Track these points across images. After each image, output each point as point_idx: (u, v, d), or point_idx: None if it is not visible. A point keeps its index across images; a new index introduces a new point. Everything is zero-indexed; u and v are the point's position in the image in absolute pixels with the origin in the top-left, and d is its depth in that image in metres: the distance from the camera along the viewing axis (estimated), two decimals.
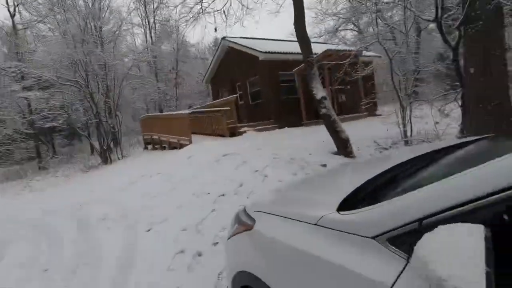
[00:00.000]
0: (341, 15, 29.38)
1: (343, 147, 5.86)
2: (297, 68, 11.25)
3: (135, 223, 4.34)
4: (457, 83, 6.14)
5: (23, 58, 14.41)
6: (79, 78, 11.59)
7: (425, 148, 1.83)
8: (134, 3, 18.99)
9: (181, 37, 19.28)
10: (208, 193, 4.73)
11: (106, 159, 11.87)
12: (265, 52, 11.02)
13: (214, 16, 8.56)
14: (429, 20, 5.89)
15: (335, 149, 6.13)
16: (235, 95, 10.53)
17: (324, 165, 5.47)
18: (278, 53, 11.42)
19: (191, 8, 8.17)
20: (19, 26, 16.56)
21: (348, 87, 12.38)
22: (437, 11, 5.53)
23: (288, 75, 12.07)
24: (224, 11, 8.85)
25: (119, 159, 12.38)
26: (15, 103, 14.73)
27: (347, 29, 28.42)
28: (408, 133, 6.54)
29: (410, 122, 6.53)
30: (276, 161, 5.91)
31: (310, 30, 30.20)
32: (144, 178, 6.70)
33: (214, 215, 4.05)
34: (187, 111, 9.33)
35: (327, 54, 10.04)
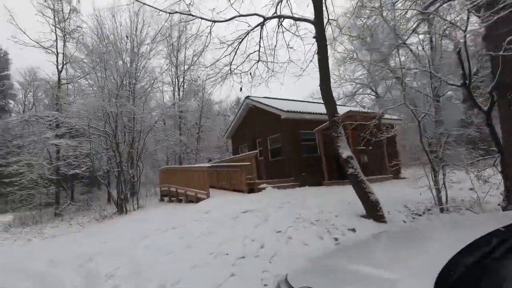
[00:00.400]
0: (358, 81, 30.84)
1: (373, 210, 5.43)
2: (318, 127, 11.35)
3: (145, 283, 3.95)
4: (493, 148, 5.84)
5: (61, 109, 15.59)
6: (108, 128, 12.19)
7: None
8: (167, 64, 20.88)
9: (206, 95, 20.60)
10: (227, 254, 4.34)
11: (121, 209, 11.70)
12: (287, 111, 11.32)
13: (241, 77, 8.93)
14: (456, 85, 5.90)
15: (364, 212, 5.69)
16: (255, 151, 10.58)
17: (353, 230, 5.01)
18: (299, 112, 11.71)
19: (221, 69, 8.70)
20: (63, 81, 18.34)
21: (370, 148, 12.20)
22: (464, 76, 5.55)
23: (309, 134, 12.15)
24: (250, 73, 9.36)
25: (134, 209, 12.18)
26: (46, 149, 15.48)
27: (364, 94, 29.45)
28: (443, 199, 6.06)
29: (445, 187, 6.09)
30: (300, 221, 5.52)
31: None
32: (158, 232, 6.38)
33: (233, 280, 3.62)
34: (206, 165, 9.33)
35: (349, 115, 10.15)
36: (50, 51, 17.51)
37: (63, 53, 17.78)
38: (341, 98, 28.22)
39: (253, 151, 10.50)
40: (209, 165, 9.19)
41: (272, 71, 9.11)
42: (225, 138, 16.22)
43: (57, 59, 17.72)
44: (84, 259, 5.49)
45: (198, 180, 9.76)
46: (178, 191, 11.92)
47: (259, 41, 8.35)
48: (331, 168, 11.28)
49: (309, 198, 7.52)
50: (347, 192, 8.15)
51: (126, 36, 17.01)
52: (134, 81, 16.85)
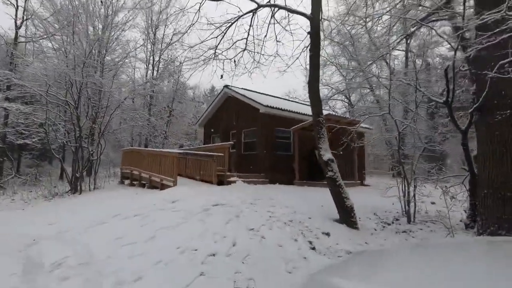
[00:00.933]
0: (333, 86, 31.47)
1: (347, 216, 5.38)
2: (295, 126, 11.26)
3: (98, 277, 3.46)
4: (464, 167, 6.08)
5: (15, 69, 13.84)
6: (70, 99, 11.01)
7: None
8: (143, 39, 19.51)
9: (182, 78, 19.63)
10: (196, 250, 3.98)
11: (75, 188, 10.70)
12: (266, 106, 11.08)
13: (223, 64, 8.50)
14: (439, 102, 6.03)
15: (337, 216, 5.63)
16: (230, 142, 10.22)
17: (328, 234, 4.90)
18: (278, 109, 11.52)
19: (204, 52, 8.18)
20: (22, 39, 16.34)
21: (341, 153, 12.42)
22: (448, 94, 5.68)
23: (284, 132, 12.03)
24: (234, 61, 8.95)
25: (90, 190, 11.22)
26: None
27: (338, 99, 30.19)
28: (411, 210, 6.21)
29: (414, 199, 6.24)
30: (273, 221, 5.31)
31: (302, 94, 31.86)
32: (117, 219, 5.79)
33: (203, 280, 3.29)
34: (177, 150, 8.78)
35: (328, 117, 10.14)
36: (8, 1, 15.47)
37: (24, 7, 15.79)
38: None
39: (227, 142, 10.12)
40: (180, 151, 8.65)
41: (258, 62, 8.77)
42: (197, 126, 15.60)
43: (16, 12, 15.71)
44: (25, 242, 4.80)
45: (166, 165, 9.17)
46: (141, 175, 11.19)
47: (249, 29, 7.94)
48: (302, 169, 11.27)
49: (282, 196, 7.35)
50: (319, 194, 8.14)
51: (101, 1, 15.54)
52: (104, 51, 15.49)
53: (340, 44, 25.38)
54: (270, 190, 8.55)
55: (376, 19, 7.68)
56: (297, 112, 12.32)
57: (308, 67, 6.51)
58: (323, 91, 35.66)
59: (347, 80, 29.77)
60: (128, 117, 16.91)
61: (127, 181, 13.11)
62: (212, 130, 14.67)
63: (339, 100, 30.22)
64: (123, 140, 20.54)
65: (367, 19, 7.84)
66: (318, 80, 6.29)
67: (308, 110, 6.13)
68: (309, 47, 6.38)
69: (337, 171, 5.64)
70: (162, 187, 9.34)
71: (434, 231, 5.69)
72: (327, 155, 5.69)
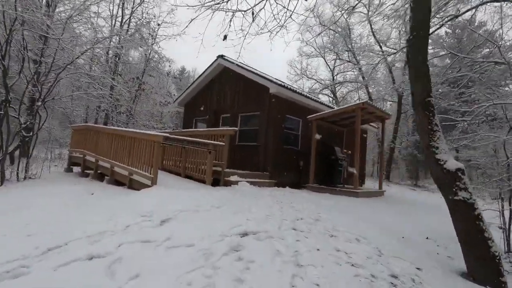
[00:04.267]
0: (319, 79, 29.71)
1: (492, 270, 3.08)
2: (314, 115, 8.82)
3: None
4: None
5: None
6: None
7: None
8: None
9: (157, 46, 16.03)
10: None
11: None
12: (280, 85, 8.46)
13: (233, 17, 5.66)
14: None
15: (455, 263, 3.33)
16: (234, 128, 7.43)
17: None
18: (293, 91, 8.96)
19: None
20: None
21: (349, 152, 10.33)
22: None
23: (294, 122, 9.55)
24: (253, 12, 6.29)
25: (19, 180, 7.74)
26: None
27: (324, 94, 28.49)
28: None
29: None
30: (360, 274, 2.83)
31: (293, 84, 29.64)
32: (54, 255, 2.85)
33: None
34: (160, 133, 5.84)
35: (363, 106, 7.79)
36: None
37: None
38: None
39: (231, 128, 7.31)
40: (167, 134, 5.72)
41: (289, 10, 6.28)
42: (176, 104, 12.47)
43: None
44: None
45: (140, 154, 6.19)
46: (99, 163, 7.99)
47: None
48: (318, 170, 8.91)
49: (328, 215, 4.88)
50: (367, 209, 5.86)
51: None
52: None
53: (335, 32, 23.52)
54: (297, 200, 6.04)
55: None
56: (312, 99, 9.92)
57: None
58: (305, 84, 33.87)
59: (335, 75, 28.20)
60: (83, 85, 13.12)
61: (77, 169, 9.72)
62: (195, 112, 11.67)
63: (326, 94, 28.54)
64: (74, 116, 16.46)
65: None
66: (427, 37, 3.85)
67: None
68: None
69: (470, 188, 3.30)
70: (132, 184, 6.37)
71: None
72: (451, 161, 3.32)
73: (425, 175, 20.93)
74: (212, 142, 6.94)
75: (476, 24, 19.29)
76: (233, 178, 7.25)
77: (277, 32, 6.84)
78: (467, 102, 16.60)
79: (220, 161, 7.28)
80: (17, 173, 7.85)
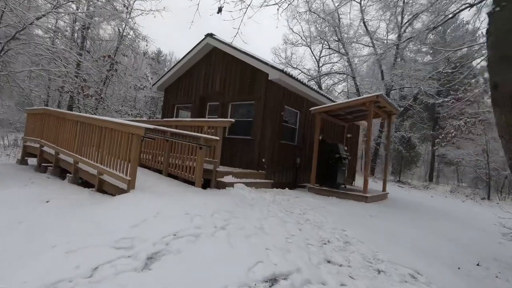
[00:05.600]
0: (304, 70, 28.87)
1: None
2: (317, 107, 7.83)
3: None
4: None
5: None
6: None
7: None
8: None
9: (131, 21, 14.12)
10: None
11: None
12: (281, 71, 7.33)
13: None
14: None
15: None
16: (230, 120, 6.21)
17: None
18: (295, 79, 7.88)
19: None
20: None
21: (346, 148, 9.56)
22: None
23: (291, 115, 8.53)
24: None
25: None
26: None
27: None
28: None
29: None
30: None
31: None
32: None
33: None
34: (142, 124, 4.53)
35: (377, 100, 6.89)
36: None
37: None
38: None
39: (226, 119, 6.07)
40: (149, 126, 4.40)
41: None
42: (155, 89, 10.95)
43: None
44: None
45: (115, 149, 4.88)
46: (59, 157, 6.53)
47: None
48: (320, 169, 7.98)
49: (351, 230, 3.93)
50: (383, 216, 5.02)
51: None
52: None
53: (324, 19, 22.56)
54: (307, 208, 5.05)
55: None
56: (315, 90, 8.93)
57: None
58: (293, 74, 32.96)
59: (320, 66, 27.42)
60: (43, 61, 11.14)
61: (33, 161, 8.12)
62: (177, 97, 10.26)
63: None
64: (34, 97, 14.29)
65: None
66: None
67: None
68: None
69: None
70: (103, 186, 5.07)
71: None
72: None
73: (408, 171, 21.03)
74: (204, 135, 5.74)
75: None
76: (227, 178, 6.12)
77: (287, 5, 5.72)
78: None
79: (212, 158, 6.11)
80: None
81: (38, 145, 7.54)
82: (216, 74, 9.04)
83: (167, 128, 6.33)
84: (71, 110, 13.83)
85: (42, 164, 7.35)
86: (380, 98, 6.60)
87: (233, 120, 6.08)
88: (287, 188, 7.34)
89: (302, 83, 8.12)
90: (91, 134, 5.53)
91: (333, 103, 7.79)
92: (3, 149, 12.30)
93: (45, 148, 7.27)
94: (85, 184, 5.65)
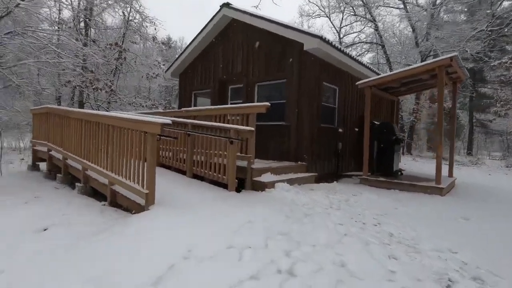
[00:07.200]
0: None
1: None
2: (365, 80, 6.41)
3: None
4: None
5: None
6: None
7: None
8: None
9: (137, 4, 12.87)
10: None
11: None
12: (320, 38, 5.89)
13: None
14: None
15: None
16: (266, 103, 4.95)
17: None
18: (336, 48, 6.41)
19: None
20: None
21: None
22: None
23: (329, 92, 7.15)
24: None
25: None
26: None
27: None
28: None
29: None
30: None
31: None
32: None
33: None
34: (159, 118, 3.41)
35: (450, 63, 5.40)
36: None
37: None
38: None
39: (261, 103, 4.84)
40: (167, 120, 3.26)
41: None
42: (169, 76, 9.82)
43: None
44: None
45: (125, 151, 3.81)
46: (67, 163, 5.61)
47: None
48: (372, 156, 6.66)
49: (457, 248, 2.71)
50: (476, 219, 3.72)
51: None
52: None
53: None
54: (378, 213, 3.82)
55: None
56: (360, 62, 7.48)
57: None
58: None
59: (341, 36, 25.18)
60: (49, 55, 10.20)
61: (44, 167, 7.31)
62: (193, 83, 9.08)
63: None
64: (48, 96, 13.58)
65: None
66: None
67: None
68: None
69: None
70: (115, 198, 4.07)
71: None
72: None
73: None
74: (234, 126, 4.56)
75: None
76: (265, 177, 4.97)
77: None
78: None
79: (245, 153, 4.96)
80: None
81: (46, 149, 6.68)
82: (236, 52, 7.74)
83: (187, 120, 5.19)
84: (83, 106, 13.03)
85: (52, 171, 6.51)
86: (454, 62, 5.10)
87: (268, 104, 4.81)
88: (335, 182, 6.12)
89: (344, 53, 6.66)
90: (97, 135, 4.49)
91: (387, 74, 6.32)
92: (18, 152, 11.75)
93: (52, 153, 6.40)
94: (98, 194, 4.70)
